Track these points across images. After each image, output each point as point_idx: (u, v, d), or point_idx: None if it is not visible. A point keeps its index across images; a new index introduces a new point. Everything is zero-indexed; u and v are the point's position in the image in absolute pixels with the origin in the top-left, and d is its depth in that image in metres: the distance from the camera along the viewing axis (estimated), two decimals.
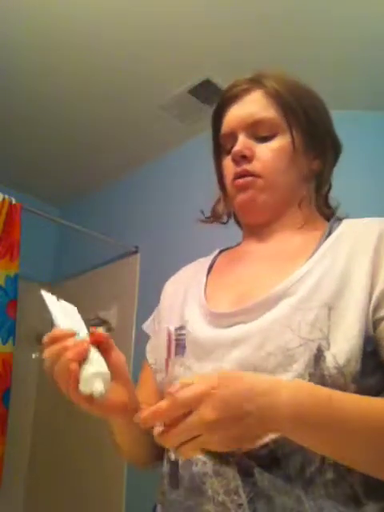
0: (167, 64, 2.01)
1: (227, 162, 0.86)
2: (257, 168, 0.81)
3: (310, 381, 0.64)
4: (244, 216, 0.88)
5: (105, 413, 0.70)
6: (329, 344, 0.65)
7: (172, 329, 0.62)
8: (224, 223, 0.94)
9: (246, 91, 0.84)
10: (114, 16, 1.81)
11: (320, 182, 0.87)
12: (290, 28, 1.81)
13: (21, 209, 2.05)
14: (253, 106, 0.83)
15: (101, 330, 0.67)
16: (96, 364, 0.63)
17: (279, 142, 0.82)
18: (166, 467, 0.75)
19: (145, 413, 0.58)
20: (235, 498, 0.65)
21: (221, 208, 0.92)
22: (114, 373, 0.65)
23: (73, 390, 0.63)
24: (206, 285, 0.86)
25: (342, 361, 0.64)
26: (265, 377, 0.64)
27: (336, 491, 0.63)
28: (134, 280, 2.43)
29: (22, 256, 2.00)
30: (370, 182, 1.97)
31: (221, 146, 0.89)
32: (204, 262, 0.93)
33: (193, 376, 0.71)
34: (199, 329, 0.77)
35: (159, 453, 0.81)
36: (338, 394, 0.62)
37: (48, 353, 0.67)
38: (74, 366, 0.62)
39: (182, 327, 0.64)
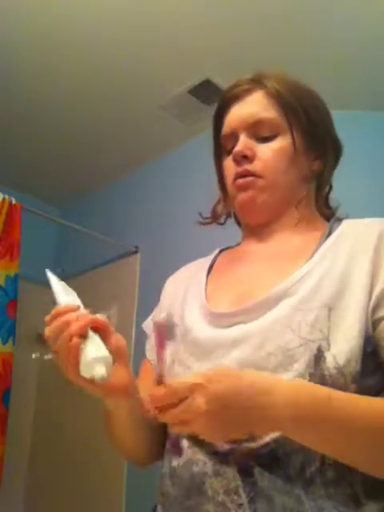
0: (167, 64, 2.01)
1: (228, 162, 0.86)
2: (258, 168, 0.81)
3: (310, 381, 0.64)
4: (244, 216, 0.88)
5: (105, 394, 0.70)
6: (329, 344, 0.65)
7: (163, 318, 0.62)
8: (221, 224, 0.94)
9: (247, 91, 0.85)
10: (114, 16, 1.81)
11: (320, 183, 0.87)
12: (289, 28, 1.81)
13: (21, 209, 2.05)
14: (254, 106, 0.83)
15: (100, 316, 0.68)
16: (97, 348, 0.64)
17: (280, 143, 0.82)
18: (166, 467, 0.75)
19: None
20: (235, 497, 0.65)
21: (220, 209, 0.92)
22: (115, 356, 0.66)
23: (72, 369, 0.64)
24: (206, 284, 0.86)
25: (342, 361, 0.64)
26: (265, 375, 0.64)
27: (336, 491, 0.63)
28: (133, 280, 2.43)
29: (22, 256, 2.00)
30: (370, 181, 1.97)
31: (221, 146, 0.89)
32: (204, 262, 0.93)
33: (192, 374, 0.71)
34: (199, 329, 0.77)
35: (159, 450, 0.81)
36: (337, 394, 0.62)
37: (50, 328, 0.66)
38: (75, 341, 0.63)
39: (169, 315, 0.65)
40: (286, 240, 0.83)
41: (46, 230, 2.85)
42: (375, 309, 0.68)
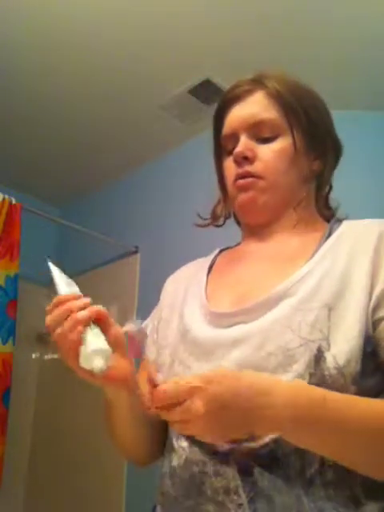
0: (167, 64, 2.01)
1: (228, 163, 0.86)
2: (258, 169, 0.81)
3: (310, 381, 0.64)
4: (244, 216, 0.88)
5: (105, 384, 0.70)
6: (329, 345, 0.65)
7: (134, 329, 0.62)
8: (220, 226, 0.94)
9: (248, 92, 0.84)
10: (114, 16, 1.81)
11: (320, 183, 0.87)
12: (289, 28, 1.81)
13: (21, 209, 2.05)
14: (254, 106, 0.83)
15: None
16: (97, 340, 0.65)
17: (281, 144, 0.82)
18: (165, 467, 0.75)
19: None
20: (235, 497, 0.65)
21: (220, 210, 0.92)
22: (115, 347, 0.67)
23: (72, 358, 0.65)
24: (206, 284, 0.86)
25: (342, 361, 0.64)
26: (264, 376, 0.64)
27: (336, 492, 0.63)
28: (133, 280, 2.43)
29: (22, 256, 2.00)
30: (370, 182, 1.97)
31: (222, 146, 0.89)
32: (204, 262, 0.93)
33: (191, 375, 0.71)
34: (199, 328, 0.77)
35: (159, 449, 0.81)
36: (335, 396, 0.62)
37: (53, 316, 0.66)
38: (79, 329, 0.64)
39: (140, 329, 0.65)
40: (286, 240, 0.83)
41: (46, 230, 2.85)
42: (375, 309, 0.68)
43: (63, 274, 0.72)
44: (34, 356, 2.73)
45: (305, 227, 0.83)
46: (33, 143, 2.53)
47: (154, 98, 2.19)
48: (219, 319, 0.76)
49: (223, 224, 0.94)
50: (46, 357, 2.71)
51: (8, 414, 1.84)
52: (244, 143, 0.82)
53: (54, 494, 2.40)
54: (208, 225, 0.93)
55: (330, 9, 1.72)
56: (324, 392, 0.62)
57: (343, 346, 0.65)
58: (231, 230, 0.94)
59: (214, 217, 0.93)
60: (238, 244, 0.94)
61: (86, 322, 0.65)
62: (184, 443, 0.72)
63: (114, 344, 0.67)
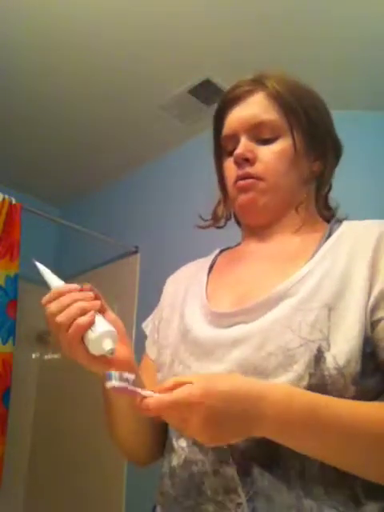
0: (167, 64, 2.01)
1: (229, 164, 0.86)
2: (259, 171, 0.81)
3: (310, 381, 0.64)
4: (244, 217, 0.88)
5: (108, 369, 0.69)
6: (329, 345, 0.65)
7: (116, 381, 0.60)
8: (221, 227, 0.94)
9: (248, 93, 0.84)
10: (114, 16, 1.81)
11: (320, 183, 0.87)
12: (289, 28, 1.81)
13: (21, 209, 2.05)
14: (255, 107, 0.83)
15: None
16: (102, 323, 0.65)
17: (281, 145, 0.82)
18: (165, 467, 0.76)
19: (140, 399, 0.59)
20: (234, 497, 0.65)
21: (221, 211, 0.92)
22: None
23: (76, 345, 0.65)
24: (206, 284, 0.86)
25: (341, 362, 0.64)
26: (253, 384, 0.63)
27: (336, 491, 0.63)
28: (133, 280, 2.43)
29: (22, 256, 2.00)
30: (370, 182, 1.97)
31: (222, 147, 0.89)
32: (204, 262, 0.94)
33: (190, 375, 0.71)
34: (199, 328, 0.78)
35: (159, 449, 0.81)
36: (325, 402, 0.62)
37: (56, 304, 0.66)
38: (91, 315, 0.65)
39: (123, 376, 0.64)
40: (286, 241, 0.83)
41: (46, 230, 2.85)
42: (374, 309, 0.68)
43: (52, 274, 0.72)
44: (34, 356, 2.73)
45: (305, 228, 0.83)
46: (33, 143, 2.53)
47: (154, 97, 2.19)
48: (219, 319, 0.76)
49: (224, 225, 0.94)
50: (46, 357, 2.71)
51: (8, 414, 1.84)
52: (244, 145, 0.82)
53: (54, 494, 2.40)
54: (209, 226, 0.93)
55: (330, 9, 1.72)
56: (317, 400, 0.62)
57: (343, 346, 0.65)
58: (231, 230, 0.94)
59: (215, 218, 0.93)
60: (238, 244, 0.94)
61: (96, 308, 0.66)
62: (184, 443, 0.72)
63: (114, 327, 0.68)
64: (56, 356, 2.65)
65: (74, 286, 0.68)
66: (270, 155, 0.82)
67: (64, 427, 2.44)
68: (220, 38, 1.88)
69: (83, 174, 2.78)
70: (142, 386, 0.71)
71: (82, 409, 2.31)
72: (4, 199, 2.00)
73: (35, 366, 2.72)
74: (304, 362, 0.65)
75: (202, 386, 0.58)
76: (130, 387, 0.59)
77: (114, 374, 0.59)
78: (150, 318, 0.97)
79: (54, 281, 0.70)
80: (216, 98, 2.01)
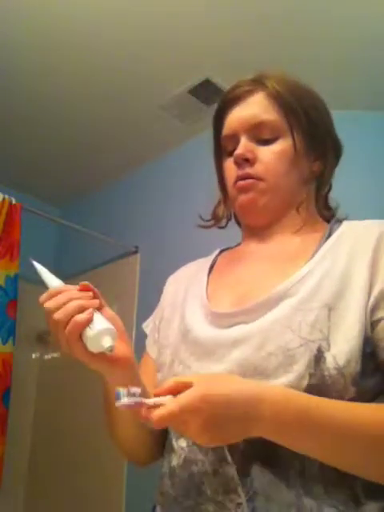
0: (167, 64, 2.01)
1: (229, 164, 0.86)
2: (259, 171, 0.81)
3: (310, 381, 0.64)
4: (244, 217, 0.88)
5: (110, 366, 0.69)
6: (329, 345, 0.65)
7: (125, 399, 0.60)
8: (222, 228, 0.94)
9: (248, 93, 0.84)
10: (114, 16, 1.81)
11: (320, 184, 0.87)
12: (289, 28, 1.81)
13: (21, 209, 2.05)
14: (255, 108, 0.83)
15: None
16: (101, 321, 0.65)
17: (281, 145, 0.82)
18: (165, 467, 0.76)
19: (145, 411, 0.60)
20: (234, 497, 0.65)
21: (221, 211, 0.92)
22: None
23: (75, 342, 0.65)
24: (207, 284, 0.86)
25: (341, 362, 0.64)
26: (251, 387, 0.63)
27: (336, 490, 0.63)
28: (133, 280, 2.43)
29: (22, 256, 2.00)
30: (370, 182, 1.97)
31: (222, 147, 0.89)
32: (204, 262, 0.94)
33: (190, 375, 0.71)
34: (200, 328, 0.78)
35: (159, 449, 0.81)
36: (321, 404, 0.62)
37: (54, 302, 0.66)
38: (90, 312, 0.64)
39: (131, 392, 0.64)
40: (286, 241, 0.83)
41: (46, 230, 2.85)
42: (374, 310, 0.68)
43: (50, 273, 0.72)
44: (34, 356, 2.73)
45: (305, 228, 0.83)
46: (33, 143, 2.53)
47: (154, 97, 2.19)
48: (220, 319, 0.76)
49: (226, 226, 0.94)
50: (46, 357, 2.71)
51: (8, 414, 1.84)
52: (244, 145, 0.82)
53: (54, 494, 2.40)
54: (211, 226, 0.93)
55: (330, 9, 1.72)
56: (311, 402, 0.62)
57: (343, 347, 0.65)
58: (231, 230, 0.94)
59: (216, 218, 0.93)
60: (239, 244, 0.94)
61: (94, 306, 0.66)
62: (183, 443, 0.72)
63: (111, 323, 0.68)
64: (56, 356, 2.65)
65: (72, 286, 0.68)
66: (270, 155, 0.81)
67: (64, 427, 2.44)
68: (220, 38, 1.88)
69: (83, 174, 2.78)
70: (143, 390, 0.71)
71: (82, 409, 2.31)
72: (4, 199, 2.00)
73: (35, 366, 2.71)
74: (304, 362, 0.65)
75: (200, 392, 0.58)
76: (137, 400, 0.59)
77: (123, 391, 0.58)
78: (150, 318, 0.97)
79: (52, 280, 0.70)
80: (216, 98, 2.01)
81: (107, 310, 0.70)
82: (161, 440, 0.81)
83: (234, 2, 1.73)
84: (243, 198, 0.83)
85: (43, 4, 1.77)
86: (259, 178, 0.81)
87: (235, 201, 0.85)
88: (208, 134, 0.92)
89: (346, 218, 0.86)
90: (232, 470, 0.66)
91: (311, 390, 0.64)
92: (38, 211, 2.24)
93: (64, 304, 0.65)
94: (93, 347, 0.64)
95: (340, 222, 0.84)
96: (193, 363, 0.75)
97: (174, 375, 0.76)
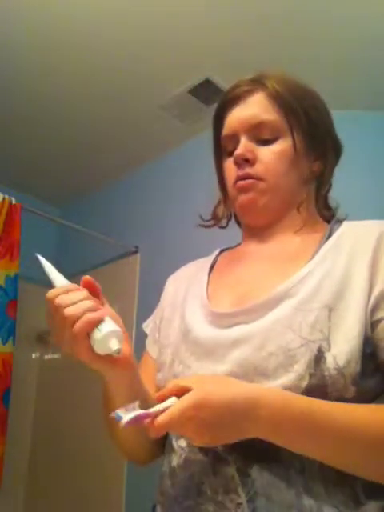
0: (167, 64, 2.01)
1: (229, 164, 0.85)
2: (259, 171, 0.81)
3: (310, 381, 0.64)
4: (245, 217, 0.88)
5: (112, 367, 0.69)
6: (329, 345, 0.65)
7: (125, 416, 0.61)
8: (223, 227, 0.94)
9: (248, 93, 0.84)
10: (114, 16, 1.81)
11: (320, 184, 0.87)
12: (289, 28, 1.81)
13: (21, 209, 2.05)
14: (255, 108, 0.83)
15: None
16: (108, 323, 0.65)
17: (281, 145, 0.82)
18: (165, 467, 0.76)
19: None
20: (234, 497, 0.65)
21: (221, 211, 0.92)
22: None
23: (81, 342, 0.64)
24: (207, 284, 0.86)
25: (342, 362, 0.64)
26: (248, 391, 0.63)
27: (336, 490, 0.63)
28: (133, 280, 2.43)
29: (22, 256, 2.00)
30: (370, 182, 1.97)
31: (222, 146, 0.89)
32: (205, 262, 0.94)
33: (189, 377, 0.71)
34: (200, 328, 0.78)
35: (159, 449, 0.81)
36: (319, 405, 0.63)
37: (66, 298, 0.65)
38: (102, 313, 0.64)
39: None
40: (286, 241, 0.83)
41: (46, 230, 2.85)
42: (374, 310, 0.68)
43: (55, 269, 0.72)
44: (34, 356, 2.73)
45: (305, 228, 0.83)
46: (33, 143, 2.53)
47: (154, 97, 2.19)
48: (220, 319, 0.76)
49: (226, 226, 0.94)
50: (46, 357, 2.71)
51: (8, 414, 1.84)
52: (244, 145, 0.82)
53: (54, 494, 2.40)
54: (211, 226, 0.93)
55: (330, 9, 1.72)
56: (312, 400, 0.63)
57: (343, 347, 0.65)
58: (231, 230, 0.94)
59: (216, 218, 0.93)
60: (239, 244, 0.94)
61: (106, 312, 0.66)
62: (184, 443, 0.72)
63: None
64: (56, 356, 2.65)
65: (82, 289, 0.68)
66: (270, 156, 0.81)
67: (64, 427, 2.44)
68: (220, 38, 1.88)
69: (83, 174, 2.78)
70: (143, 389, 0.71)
71: (82, 409, 2.31)
72: (4, 199, 2.00)
73: (35, 366, 2.71)
74: (304, 362, 0.65)
75: (199, 396, 0.59)
76: (138, 413, 0.59)
77: (120, 412, 0.59)
78: (150, 318, 0.97)
79: (58, 277, 0.70)
80: (216, 98, 2.01)
81: (107, 307, 0.70)
82: (160, 440, 0.81)
83: (234, 2, 1.73)
84: (243, 197, 0.83)
85: (43, 4, 1.77)
86: (259, 178, 0.81)
87: (235, 201, 0.85)
88: (208, 134, 0.92)
89: (345, 218, 0.86)
90: (232, 470, 0.66)
91: (311, 390, 0.64)
92: (38, 211, 2.24)
93: (76, 302, 0.64)
94: (99, 349, 0.64)
95: (340, 222, 0.84)
96: (193, 363, 0.75)
97: (174, 375, 0.77)
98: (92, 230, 2.44)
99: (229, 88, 0.87)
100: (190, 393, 0.60)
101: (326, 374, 0.64)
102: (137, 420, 0.59)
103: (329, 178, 0.88)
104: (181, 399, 0.60)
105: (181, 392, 0.61)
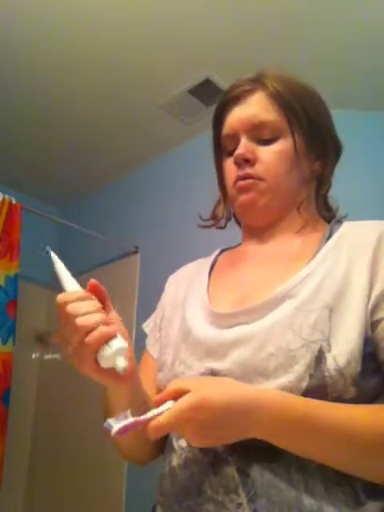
0: (167, 64, 2.01)
1: (229, 164, 0.85)
2: (259, 171, 0.81)
3: (310, 382, 0.64)
4: (245, 217, 0.88)
5: (116, 382, 0.68)
6: (330, 346, 0.65)
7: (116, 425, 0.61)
8: (222, 228, 0.94)
9: (249, 92, 0.84)
10: (114, 16, 1.81)
11: (321, 183, 0.87)
12: (290, 28, 1.81)
13: (21, 209, 2.05)
14: (255, 108, 0.83)
15: None
16: (119, 340, 0.63)
17: (281, 145, 0.82)
18: (165, 467, 0.75)
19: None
20: (234, 497, 0.65)
21: (221, 211, 0.92)
22: None
23: (89, 354, 0.62)
24: (208, 285, 0.86)
25: (342, 362, 0.64)
26: (247, 394, 0.63)
27: (336, 489, 0.63)
28: (133, 280, 2.43)
29: (22, 256, 2.00)
30: (370, 182, 1.97)
31: (222, 146, 0.88)
32: (205, 262, 0.93)
33: (189, 379, 0.71)
34: (201, 329, 0.78)
35: (159, 449, 0.81)
36: (315, 408, 0.63)
37: (79, 307, 0.62)
38: (116, 328, 0.63)
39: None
40: (286, 242, 0.83)
41: (46, 230, 2.85)
42: (374, 310, 0.68)
43: (66, 270, 0.70)
44: (34, 356, 2.73)
45: (306, 228, 0.83)
46: (33, 143, 2.53)
47: (154, 97, 2.19)
48: (221, 320, 0.76)
49: (225, 226, 0.94)
50: (46, 357, 2.71)
51: (8, 414, 1.84)
52: (244, 145, 0.82)
53: (54, 494, 2.40)
54: (211, 226, 0.93)
55: (330, 9, 1.72)
56: (311, 402, 0.63)
57: (344, 347, 0.65)
58: (231, 230, 0.94)
59: (215, 218, 0.93)
60: (239, 244, 0.94)
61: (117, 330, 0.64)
62: (184, 443, 0.72)
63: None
64: (56, 356, 2.65)
65: (94, 299, 0.66)
66: (270, 156, 0.81)
67: (64, 427, 2.44)
68: (220, 38, 1.88)
69: (83, 173, 2.78)
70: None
71: (82, 409, 2.31)
72: (4, 199, 2.00)
73: (35, 366, 2.71)
74: (305, 363, 0.65)
75: (198, 398, 0.60)
76: (128, 422, 0.59)
77: (111, 422, 0.59)
78: (150, 318, 0.97)
79: (69, 279, 0.68)
80: (216, 98, 2.01)
81: (114, 313, 0.68)
82: (160, 440, 0.81)
83: (234, 2, 1.73)
84: (243, 197, 0.83)
85: (43, 4, 1.77)
86: (259, 178, 0.81)
87: (235, 201, 0.85)
88: (208, 134, 0.92)
89: (345, 218, 0.86)
90: (232, 470, 0.66)
91: (311, 390, 0.64)
92: (38, 211, 2.24)
93: (89, 312, 0.62)
94: (106, 363, 0.63)
95: (340, 222, 0.83)
96: (194, 363, 0.75)
97: (174, 375, 0.77)
98: (92, 230, 2.44)
99: (229, 87, 0.87)
100: (188, 395, 0.60)
101: (326, 374, 0.64)
102: (127, 429, 0.59)
103: (329, 177, 0.88)
104: (179, 401, 0.60)
105: (179, 394, 0.61)
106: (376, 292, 0.69)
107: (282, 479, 0.64)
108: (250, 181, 0.81)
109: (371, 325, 0.67)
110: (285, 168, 0.81)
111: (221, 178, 0.91)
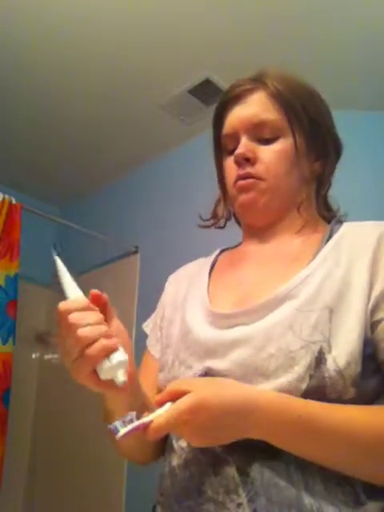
0: (167, 64, 2.01)
1: (229, 163, 0.85)
2: (260, 171, 0.81)
3: (309, 383, 0.64)
4: (245, 217, 0.88)
5: (112, 393, 0.67)
6: (330, 347, 0.65)
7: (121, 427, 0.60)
8: (222, 228, 0.93)
9: (249, 91, 0.84)
10: (114, 16, 1.81)
11: (321, 183, 0.87)
12: (290, 28, 1.81)
13: (21, 209, 2.05)
14: (255, 107, 0.83)
15: None
16: (120, 353, 0.62)
17: (282, 145, 0.82)
18: (165, 467, 0.75)
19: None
20: (235, 497, 0.65)
21: (221, 210, 0.92)
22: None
23: (89, 368, 0.61)
24: (208, 285, 0.86)
25: (342, 363, 0.64)
26: (246, 395, 0.63)
27: (336, 489, 0.63)
28: (133, 280, 2.43)
29: (22, 256, 2.00)
30: (370, 182, 1.98)
31: (222, 145, 0.88)
32: (205, 262, 0.93)
33: (188, 380, 0.71)
34: (201, 329, 0.77)
35: (159, 449, 0.81)
36: (313, 409, 0.63)
37: (83, 317, 0.61)
38: (117, 342, 0.61)
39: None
40: (286, 242, 0.83)
41: (46, 230, 2.85)
42: (374, 311, 0.68)
43: (70, 276, 0.68)
44: (34, 356, 2.73)
45: (306, 228, 0.83)
46: (33, 143, 2.53)
47: (154, 97, 2.19)
48: (221, 320, 0.76)
49: (224, 226, 0.94)
50: (46, 357, 2.71)
51: (8, 414, 1.84)
52: (245, 144, 0.82)
53: (54, 494, 2.40)
54: (211, 226, 0.93)
55: (330, 9, 1.72)
56: (310, 403, 0.63)
57: (344, 348, 0.65)
58: (231, 230, 0.94)
59: (215, 217, 0.93)
60: (239, 244, 0.94)
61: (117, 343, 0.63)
62: (184, 443, 0.72)
63: (116, 336, 0.65)
64: (56, 356, 2.65)
65: (95, 309, 0.64)
66: (270, 155, 0.81)
67: (64, 427, 2.44)
68: (220, 38, 1.88)
69: (83, 173, 2.78)
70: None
71: (82, 409, 2.31)
72: (4, 199, 2.00)
73: (35, 366, 2.71)
74: (305, 364, 0.65)
75: (197, 399, 0.60)
76: (134, 425, 0.59)
77: (117, 424, 0.58)
78: (150, 318, 0.97)
79: (71, 285, 0.66)
80: (216, 98, 2.00)
81: (116, 320, 0.67)
82: (161, 441, 0.81)
83: (234, 2, 1.73)
84: (244, 197, 0.82)
85: (43, 4, 1.77)
86: (260, 178, 0.81)
87: (235, 200, 0.85)
88: (208, 134, 0.92)
89: (345, 219, 0.86)
90: (232, 470, 0.66)
91: (310, 391, 0.64)
92: (38, 211, 2.24)
93: (91, 324, 0.61)
94: (105, 375, 0.62)
95: (340, 222, 0.83)
96: (194, 363, 0.75)
97: (175, 376, 0.77)
98: (92, 230, 2.44)
99: (229, 87, 0.87)
100: (187, 396, 0.60)
101: (326, 375, 0.64)
102: (133, 432, 0.59)
103: (329, 177, 0.87)
104: (178, 402, 0.60)
105: (179, 395, 0.61)
106: (376, 292, 0.68)
107: (282, 477, 0.64)
108: (250, 180, 0.81)
109: (371, 325, 0.67)
110: (285, 168, 0.81)
111: (221, 177, 0.90)
